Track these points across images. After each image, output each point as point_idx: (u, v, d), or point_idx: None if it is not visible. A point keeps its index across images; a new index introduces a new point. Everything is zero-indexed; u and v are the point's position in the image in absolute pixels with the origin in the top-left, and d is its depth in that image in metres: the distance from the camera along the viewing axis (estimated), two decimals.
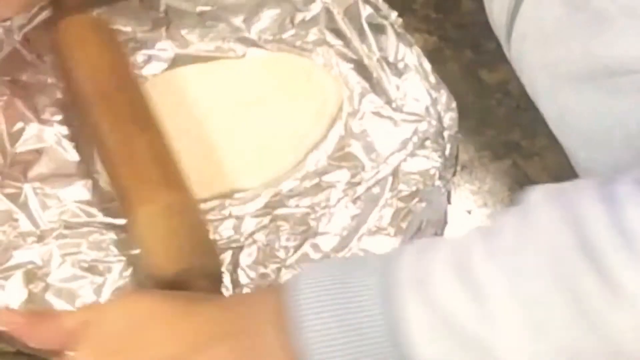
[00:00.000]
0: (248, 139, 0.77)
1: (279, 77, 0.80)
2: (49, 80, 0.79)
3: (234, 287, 0.69)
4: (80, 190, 0.74)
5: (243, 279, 0.69)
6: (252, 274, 0.69)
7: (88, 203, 0.73)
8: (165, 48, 0.82)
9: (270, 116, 0.78)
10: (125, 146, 0.69)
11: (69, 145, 0.76)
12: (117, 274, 0.69)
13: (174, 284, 0.62)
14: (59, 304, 0.68)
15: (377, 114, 0.78)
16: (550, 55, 0.63)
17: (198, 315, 0.57)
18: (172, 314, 0.58)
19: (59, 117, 0.77)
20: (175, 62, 0.82)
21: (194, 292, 0.62)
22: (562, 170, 0.75)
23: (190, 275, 0.62)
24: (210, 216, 0.72)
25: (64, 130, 0.77)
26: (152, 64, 0.81)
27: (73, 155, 0.76)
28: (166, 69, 0.81)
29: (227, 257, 0.70)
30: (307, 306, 0.51)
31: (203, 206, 0.72)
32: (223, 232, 0.72)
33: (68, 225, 0.72)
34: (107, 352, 0.56)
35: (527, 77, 0.68)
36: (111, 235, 0.71)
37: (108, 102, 0.71)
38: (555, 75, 0.63)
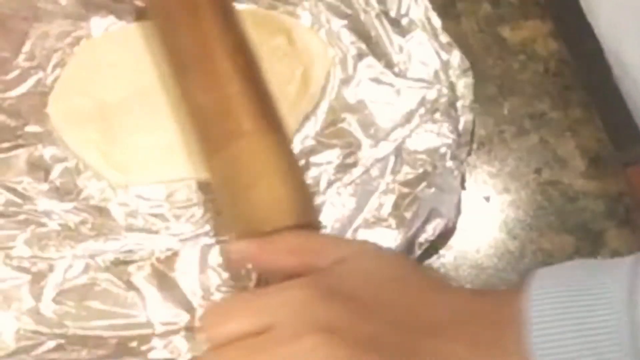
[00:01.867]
0: None
1: (255, 39, 0.77)
2: None
3: (202, 289, 0.68)
4: (15, 167, 0.74)
5: (213, 280, 0.69)
6: (225, 275, 0.69)
7: (25, 183, 0.73)
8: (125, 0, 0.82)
9: None
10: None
11: (2, 114, 0.76)
12: (61, 275, 0.69)
13: None
14: None
15: (376, 80, 0.78)
16: None
17: (450, 293, 0.62)
18: (428, 284, 0.62)
19: None
20: (129, 13, 0.81)
21: None
22: (600, 148, 0.77)
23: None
24: (173, 202, 0.73)
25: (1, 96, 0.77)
26: (101, 16, 0.81)
27: (7, 125, 0.76)
28: (117, 22, 0.81)
29: (194, 253, 0.70)
30: (540, 314, 0.56)
31: (167, 188, 0.74)
32: (188, 223, 0.72)
33: (0, 213, 0.72)
34: (347, 293, 0.59)
35: (605, 16, 0.71)
36: (54, 226, 0.71)
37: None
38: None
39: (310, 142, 0.76)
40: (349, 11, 0.81)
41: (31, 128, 0.76)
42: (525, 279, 0.58)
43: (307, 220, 0.65)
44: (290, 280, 0.59)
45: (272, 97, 0.70)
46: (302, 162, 0.75)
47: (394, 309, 0.58)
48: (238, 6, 0.80)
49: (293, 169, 0.67)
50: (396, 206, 0.72)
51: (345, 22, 0.81)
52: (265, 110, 0.68)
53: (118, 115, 0.76)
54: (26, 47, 0.79)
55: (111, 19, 0.81)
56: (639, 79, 0.68)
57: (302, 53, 0.79)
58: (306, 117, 0.77)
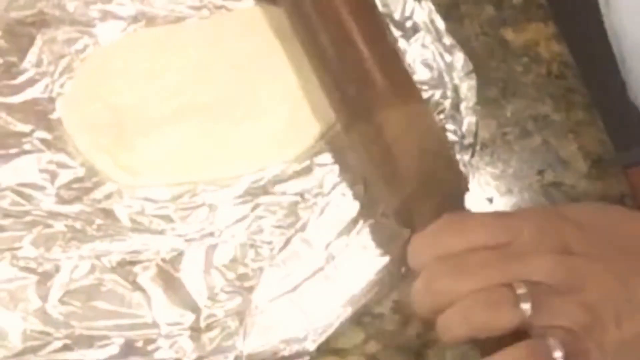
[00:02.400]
0: (232, 111, 0.76)
1: (267, 35, 0.79)
2: None
3: (207, 289, 0.68)
4: (22, 170, 0.73)
5: (218, 280, 0.68)
6: (230, 275, 0.68)
7: (32, 186, 0.72)
8: (124, 3, 0.81)
9: (255, 78, 0.77)
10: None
11: (9, 118, 0.76)
12: (67, 275, 0.69)
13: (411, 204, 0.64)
14: None
15: None
16: None
17: None
18: None
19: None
20: (137, 20, 0.81)
21: None
22: (602, 150, 0.77)
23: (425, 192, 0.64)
24: (178, 203, 0.72)
25: (4, 99, 0.76)
26: (108, 23, 0.80)
27: (14, 130, 0.75)
28: (125, 29, 0.80)
29: (199, 254, 0.70)
30: None
31: (173, 190, 0.73)
32: (193, 223, 0.71)
33: (7, 214, 0.71)
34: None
35: (631, 19, 0.70)
36: (60, 227, 0.70)
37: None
38: None
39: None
40: None
41: (39, 134, 0.75)
42: None
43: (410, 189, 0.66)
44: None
45: None
46: (306, 162, 0.74)
47: (622, 236, 0.59)
48: (247, 6, 0.82)
49: None
50: None
51: None
52: None
53: (129, 120, 0.76)
54: (33, 53, 0.79)
55: (118, 25, 0.80)
56: None
57: None
58: None
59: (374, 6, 0.75)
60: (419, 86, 0.76)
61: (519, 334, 0.55)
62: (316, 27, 0.73)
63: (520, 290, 0.55)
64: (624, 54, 0.73)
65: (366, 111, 0.69)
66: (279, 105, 0.76)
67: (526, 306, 0.54)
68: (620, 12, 0.73)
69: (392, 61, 0.71)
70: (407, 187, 0.65)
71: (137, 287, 0.68)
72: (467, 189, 0.69)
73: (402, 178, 0.65)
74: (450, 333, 0.56)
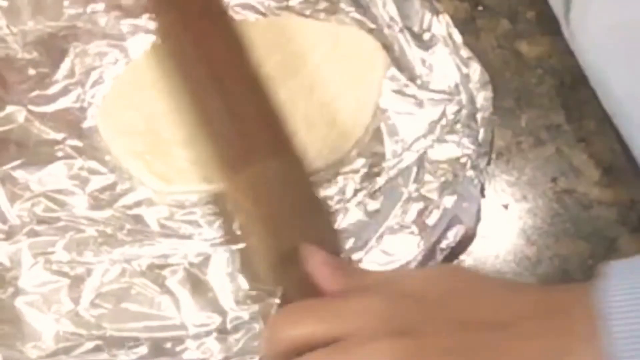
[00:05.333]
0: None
1: (297, 45, 0.79)
2: (19, 55, 0.79)
3: (233, 292, 0.68)
4: (55, 176, 0.73)
5: (243, 284, 0.68)
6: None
7: (65, 192, 0.73)
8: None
9: (297, 90, 0.76)
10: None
11: (42, 126, 0.76)
12: (98, 279, 0.69)
13: (282, 265, 0.60)
14: (30, 313, 0.67)
15: (399, 92, 0.77)
16: (626, 14, 0.63)
17: (516, 291, 0.58)
18: (492, 283, 0.60)
19: (32, 94, 0.77)
20: None
21: None
22: (613, 158, 0.75)
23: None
24: (205, 209, 0.72)
25: (37, 109, 0.76)
26: (138, 36, 0.80)
27: (47, 138, 0.75)
28: (154, 42, 0.80)
29: (225, 258, 0.69)
30: (617, 313, 0.52)
31: (200, 196, 0.73)
32: (220, 228, 0.71)
33: (41, 220, 0.71)
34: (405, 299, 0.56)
35: (590, 42, 0.67)
36: (92, 232, 0.71)
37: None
38: (632, 39, 0.62)
39: None
40: (372, 25, 0.80)
41: (70, 141, 0.75)
42: (599, 271, 0.54)
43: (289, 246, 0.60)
44: (359, 291, 0.56)
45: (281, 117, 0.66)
46: (332, 171, 0.73)
47: (460, 308, 0.55)
48: (268, 19, 0.81)
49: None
50: (419, 214, 0.71)
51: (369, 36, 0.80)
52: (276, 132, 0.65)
53: (162, 128, 0.76)
54: (66, 64, 0.79)
55: (148, 39, 0.80)
56: (632, 113, 0.67)
57: (355, 53, 0.78)
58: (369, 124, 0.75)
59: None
60: (436, 95, 0.76)
61: None
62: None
63: None
64: (612, 110, 0.71)
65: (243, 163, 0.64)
66: (303, 116, 0.75)
67: None
68: (583, 52, 0.72)
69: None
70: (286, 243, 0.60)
71: (165, 290, 0.68)
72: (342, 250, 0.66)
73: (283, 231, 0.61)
74: None
